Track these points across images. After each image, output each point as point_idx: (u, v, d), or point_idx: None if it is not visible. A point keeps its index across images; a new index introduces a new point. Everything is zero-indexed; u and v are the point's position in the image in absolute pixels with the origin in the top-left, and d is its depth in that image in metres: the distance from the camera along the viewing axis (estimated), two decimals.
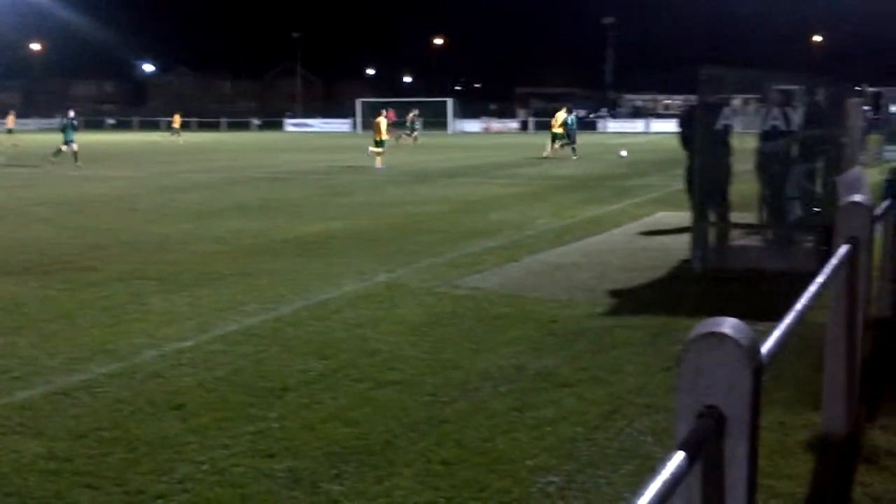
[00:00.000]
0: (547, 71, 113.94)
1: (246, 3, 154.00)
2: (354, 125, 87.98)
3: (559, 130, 36.74)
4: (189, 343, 7.41)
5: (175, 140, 53.78)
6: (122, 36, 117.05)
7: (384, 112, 32.51)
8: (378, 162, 29.61)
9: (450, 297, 9.17)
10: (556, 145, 36.41)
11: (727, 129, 10.75)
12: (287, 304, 8.88)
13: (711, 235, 11.30)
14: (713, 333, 1.69)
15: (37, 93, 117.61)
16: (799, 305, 2.52)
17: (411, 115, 52.80)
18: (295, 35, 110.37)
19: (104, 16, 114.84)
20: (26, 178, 26.25)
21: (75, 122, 31.51)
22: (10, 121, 54.01)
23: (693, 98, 11.59)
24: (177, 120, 58.34)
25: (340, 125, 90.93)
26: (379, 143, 30.18)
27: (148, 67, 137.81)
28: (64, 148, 30.67)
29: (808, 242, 11.23)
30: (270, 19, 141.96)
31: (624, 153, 35.30)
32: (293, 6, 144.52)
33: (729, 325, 1.72)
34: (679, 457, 1.47)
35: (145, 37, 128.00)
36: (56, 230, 14.46)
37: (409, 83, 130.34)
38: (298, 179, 23.45)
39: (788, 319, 2.32)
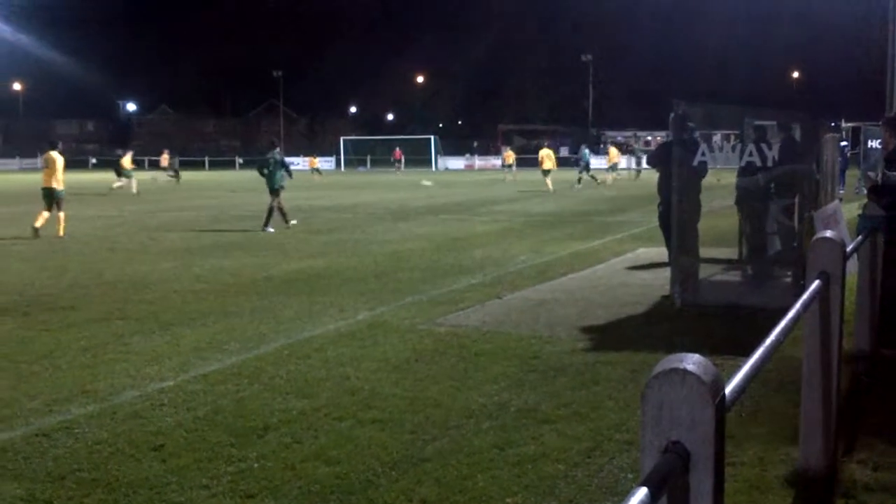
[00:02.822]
0: (529, 108, 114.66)
1: (227, 43, 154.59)
2: (338, 163, 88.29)
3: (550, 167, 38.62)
4: (170, 383, 7.40)
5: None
6: (104, 75, 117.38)
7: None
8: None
9: (432, 334, 9.18)
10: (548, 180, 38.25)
11: (702, 167, 10.85)
12: (268, 342, 8.88)
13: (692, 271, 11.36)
14: (676, 370, 1.73)
15: (18, 132, 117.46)
16: (768, 341, 2.56)
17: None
18: (276, 74, 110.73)
19: (86, 55, 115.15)
20: (5, 218, 26.17)
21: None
22: (164, 160, 56.46)
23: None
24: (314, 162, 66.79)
25: (324, 163, 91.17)
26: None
27: (130, 107, 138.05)
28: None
29: (787, 278, 11.33)
30: (252, 58, 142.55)
31: (428, 183, 38.22)
32: (274, 45, 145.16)
33: (692, 361, 1.75)
34: (642, 492, 1.50)
35: (127, 76, 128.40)
36: (35, 270, 14.41)
37: (391, 121, 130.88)
38: (281, 218, 23.41)
39: (756, 355, 2.35)
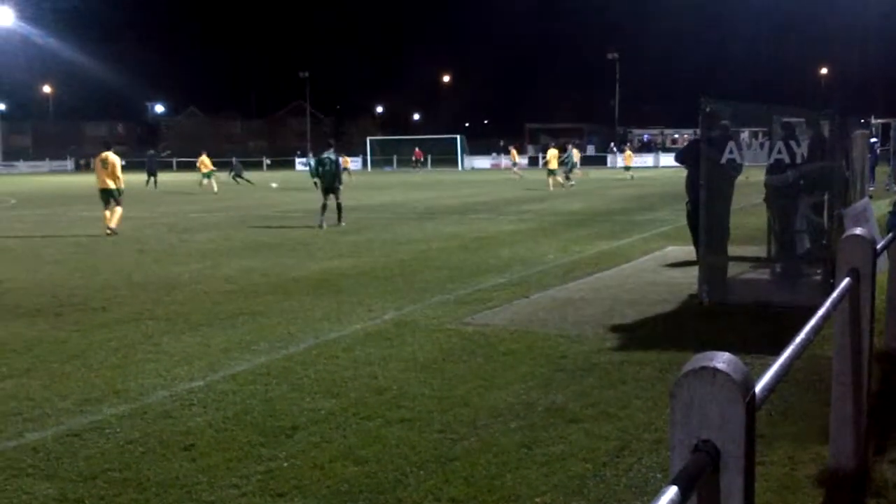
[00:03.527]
0: (555, 106, 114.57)
1: (254, 44, 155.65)
2: (364, 163, 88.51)
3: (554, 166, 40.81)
4: (199, 383, 7.45)
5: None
6: (132, 78, 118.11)
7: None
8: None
9: (459, 333, 9.19)
10: (558, 178, 40.58)
11: (731, 164, 10.80)
12: (297, 342, 8.91)
13: (719, 269, 11.29)
14: (705, 368, 1.72)
15: (48, 135, 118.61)
16: (797, 340, 2.55)
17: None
18: (302, 74, 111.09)
19: (114, 58, 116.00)
20: (38, 220, 26.45)
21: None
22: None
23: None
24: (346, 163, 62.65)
25: (351, 163, 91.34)
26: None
27: (159, 109, 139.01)
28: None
29: (816, 276, 11.24)
30: (278, 59, 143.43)
31: (274, 185, 41.25)
32: (300, 46, 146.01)
33: (721, 359, 1.75)
34: (672, 491, 1.50)
35: (156, 79, 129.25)
36: (67, 271, 14.54)
37: (417, 120, 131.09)
38: (308, 218, 23.56)
39: (786, 354, 2.34)
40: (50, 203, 35.09)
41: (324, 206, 22.34)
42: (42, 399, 7.05)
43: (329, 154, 23.01)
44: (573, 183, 42.26)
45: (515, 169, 56.53)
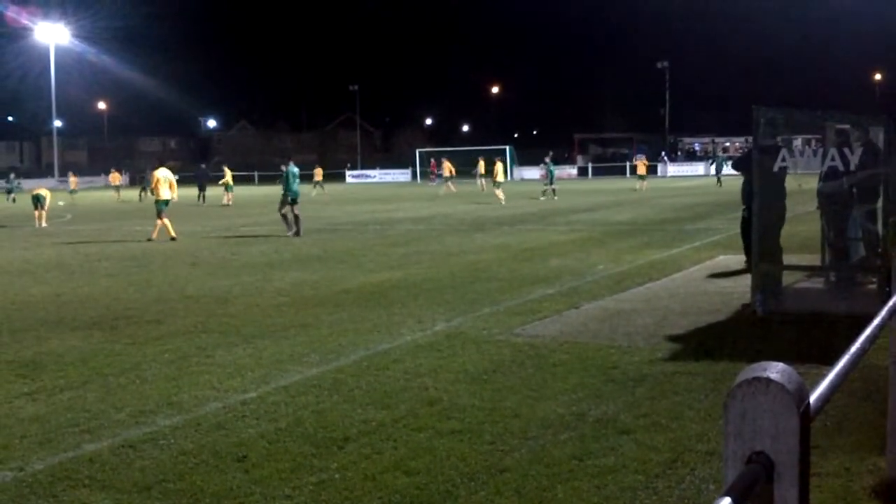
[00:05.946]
0: (605, 116, 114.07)
1: (304, 58, 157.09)
2: (414, 175, 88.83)
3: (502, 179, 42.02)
4: (252, 394, 7.51)
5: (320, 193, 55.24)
6: (184, 94, 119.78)
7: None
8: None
9: (509, 345, 9.18)
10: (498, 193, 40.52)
11: (783, 172, 10.69)
12: (347, 354, 8.95)
13: (773, 278, 11.17)
14: (759, 378, 1.70)
15: (103, 150, 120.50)
16: (853, 349, 2.51)
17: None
18: (352, 87, 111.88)
19: (167, 74, 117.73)
20: (93, 234, 26.85)
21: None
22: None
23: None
24: (319, 173, 59.51)
25: (400, 175, 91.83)
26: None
27: (211, 123, 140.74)
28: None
29: (872, 284, 11.07)
30: (328, 73, 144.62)
31: (61, 203, 44.69)
32: (350, 59, 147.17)
33: (775, 369, 1.72)
34: (725, 503, 1.48)
35: (208, 94, 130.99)
36: (121, 285, 14.75)
37: (466, 131, 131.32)
38: (358, 230, 23.72)
39: (841, 364, 2.31)
40: (104, 218, 35.64)
41: (285, 216, 24.55)
42: (98, 411, 7.15)
43: (290, 168, 25.34)
44: (545, 198, 41.21)
45: (449, 184, 52.31)
